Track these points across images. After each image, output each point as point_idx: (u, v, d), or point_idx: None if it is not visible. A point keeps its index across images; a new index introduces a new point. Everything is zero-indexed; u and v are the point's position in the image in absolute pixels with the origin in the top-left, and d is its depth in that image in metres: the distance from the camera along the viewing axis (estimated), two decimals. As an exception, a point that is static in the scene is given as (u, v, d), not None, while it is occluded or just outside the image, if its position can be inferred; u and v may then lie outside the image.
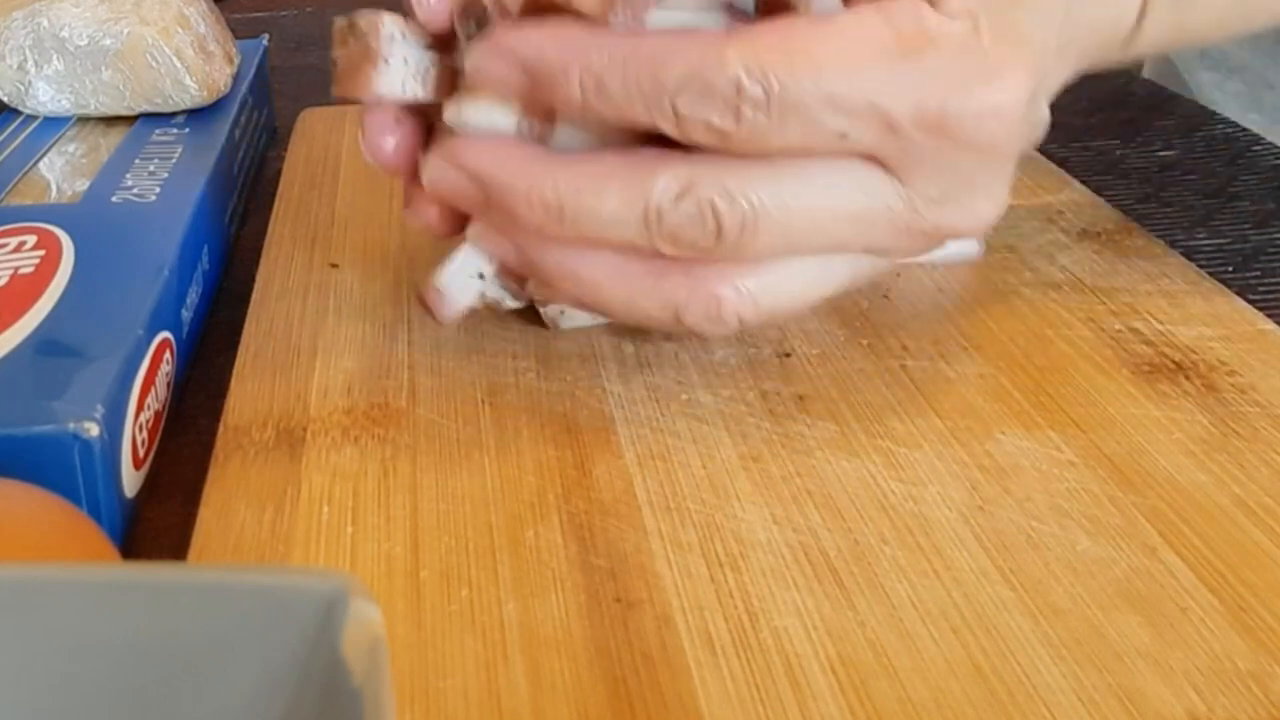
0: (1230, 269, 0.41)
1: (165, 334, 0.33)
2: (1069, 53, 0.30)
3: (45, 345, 0.30)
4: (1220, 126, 0.53)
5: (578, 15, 0.28)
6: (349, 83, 0.31)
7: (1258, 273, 0.41)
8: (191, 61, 0.46)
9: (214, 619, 0.14)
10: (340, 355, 0.35)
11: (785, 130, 0.27)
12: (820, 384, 0.33)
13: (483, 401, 0.32)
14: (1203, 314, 0.36)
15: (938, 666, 0.24)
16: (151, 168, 0.41)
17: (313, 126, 0.52)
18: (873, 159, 0.28)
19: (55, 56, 0.46)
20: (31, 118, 0.47)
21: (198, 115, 0.47)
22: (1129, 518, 0.28)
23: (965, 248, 0.39)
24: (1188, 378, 0.33)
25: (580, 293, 0.30)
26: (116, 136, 0.45)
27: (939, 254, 0.37)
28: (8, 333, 0.30)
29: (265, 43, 0.56)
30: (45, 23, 0.46)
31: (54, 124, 0.46)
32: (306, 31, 0.71)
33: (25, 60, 0.46)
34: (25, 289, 0.32)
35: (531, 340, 0.35)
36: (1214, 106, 0.56)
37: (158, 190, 0.39)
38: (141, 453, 0.30)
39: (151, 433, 0.31)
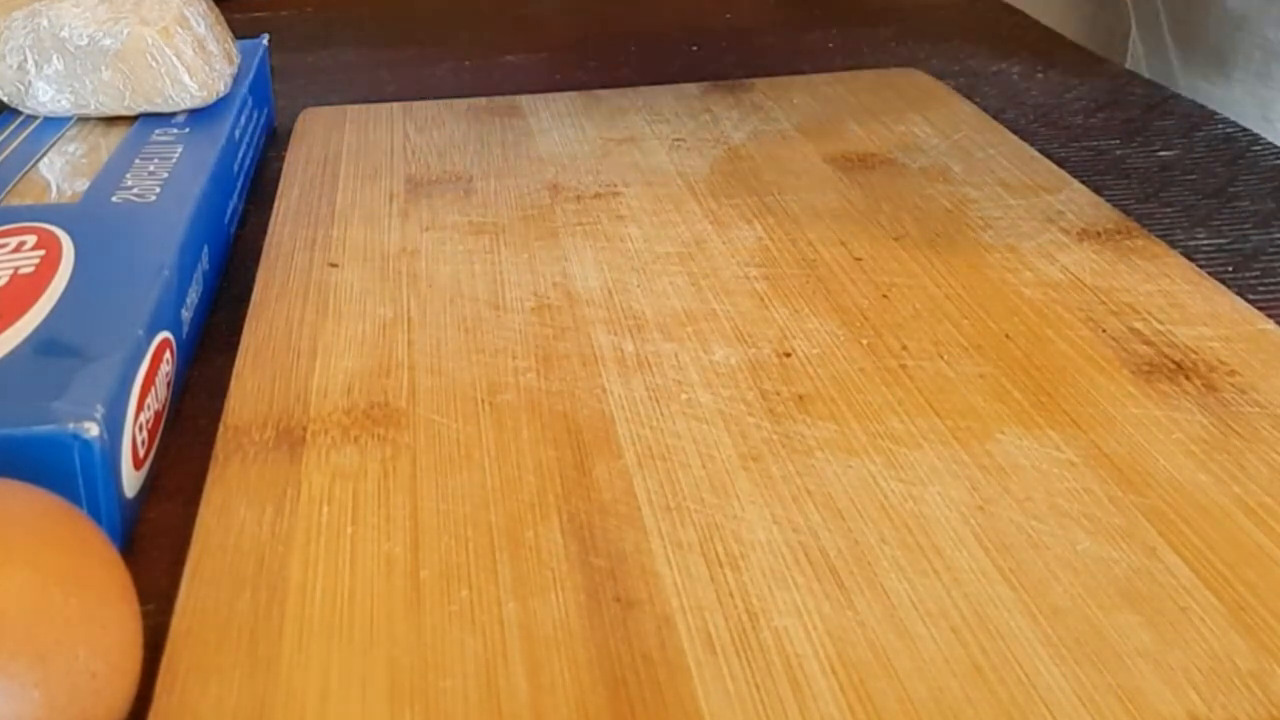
0: (1230, 269, 0.41)
1: (165, 334, 0.33)
2: None
3: (45, 345, 0.30)
4: (1220, 126, 0.53)
5: None
6: None
7: (1258, 273, 0.41)
8: (191, 61, 0.46)
9: None
10: (340, 355, 0.35)
11: None
12: (820, 384, 0.33)
13: (483, 401, 0.32)
14: (1203, 314, 0.36)
15: (938, 666, 0.24)
16: (151, 168, 0.41)
17: (313, 126, 0.52)
18: None
19: (55, 56, 0.46)
20: (31, 118, 0.47)
21: (198, 115, 0.47)
22: (1129, 518, 0.28)
23: None
24: (1188, 378, 0.33)
25: None
26: (116, 136, 0.45)
27: None
28: (8, 333, 0.30)
29: (265, 43, 0.56)
30: (45, 23, 0.46)
31: (54, 124, 0.46)
32: (307, 31, 0.71)
33: (25, 60, 0.46)
34: (25, 289, 0.32)
35: (531, 340, 0.35)
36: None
37: (158, 190, 0.39)
38: (141, 453, 0.30)
39: (151, 433, 0.31)
